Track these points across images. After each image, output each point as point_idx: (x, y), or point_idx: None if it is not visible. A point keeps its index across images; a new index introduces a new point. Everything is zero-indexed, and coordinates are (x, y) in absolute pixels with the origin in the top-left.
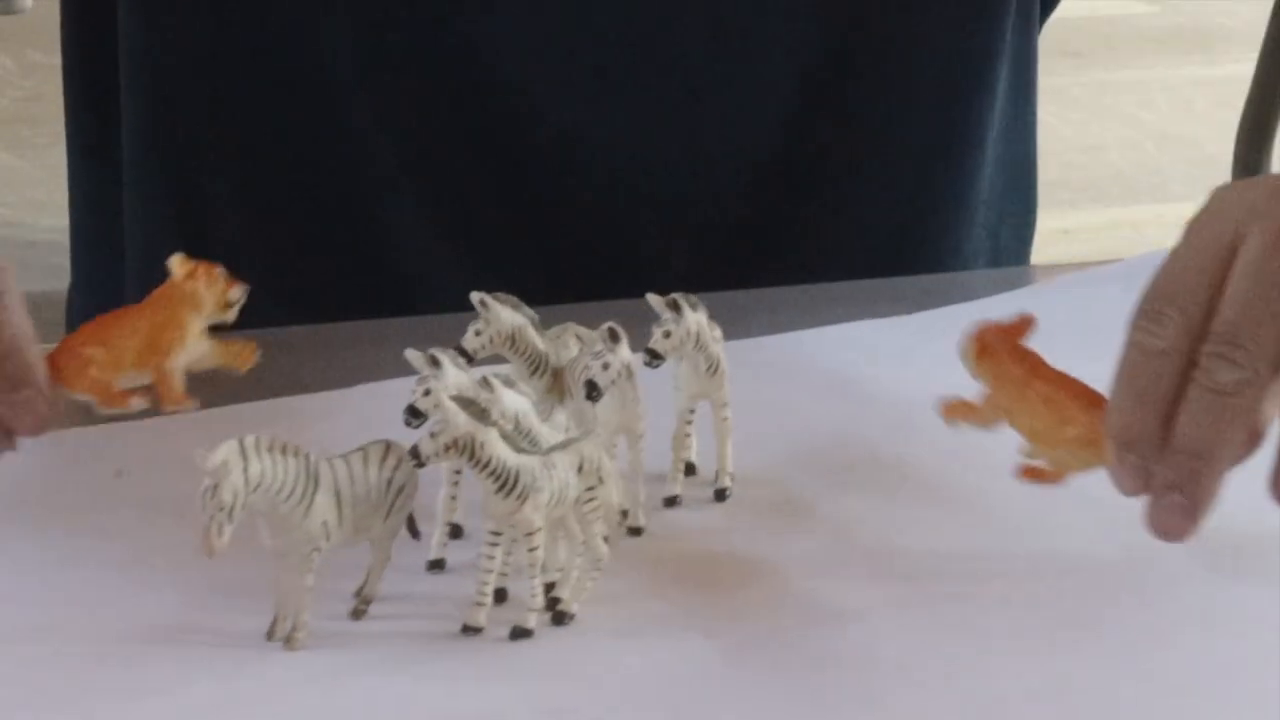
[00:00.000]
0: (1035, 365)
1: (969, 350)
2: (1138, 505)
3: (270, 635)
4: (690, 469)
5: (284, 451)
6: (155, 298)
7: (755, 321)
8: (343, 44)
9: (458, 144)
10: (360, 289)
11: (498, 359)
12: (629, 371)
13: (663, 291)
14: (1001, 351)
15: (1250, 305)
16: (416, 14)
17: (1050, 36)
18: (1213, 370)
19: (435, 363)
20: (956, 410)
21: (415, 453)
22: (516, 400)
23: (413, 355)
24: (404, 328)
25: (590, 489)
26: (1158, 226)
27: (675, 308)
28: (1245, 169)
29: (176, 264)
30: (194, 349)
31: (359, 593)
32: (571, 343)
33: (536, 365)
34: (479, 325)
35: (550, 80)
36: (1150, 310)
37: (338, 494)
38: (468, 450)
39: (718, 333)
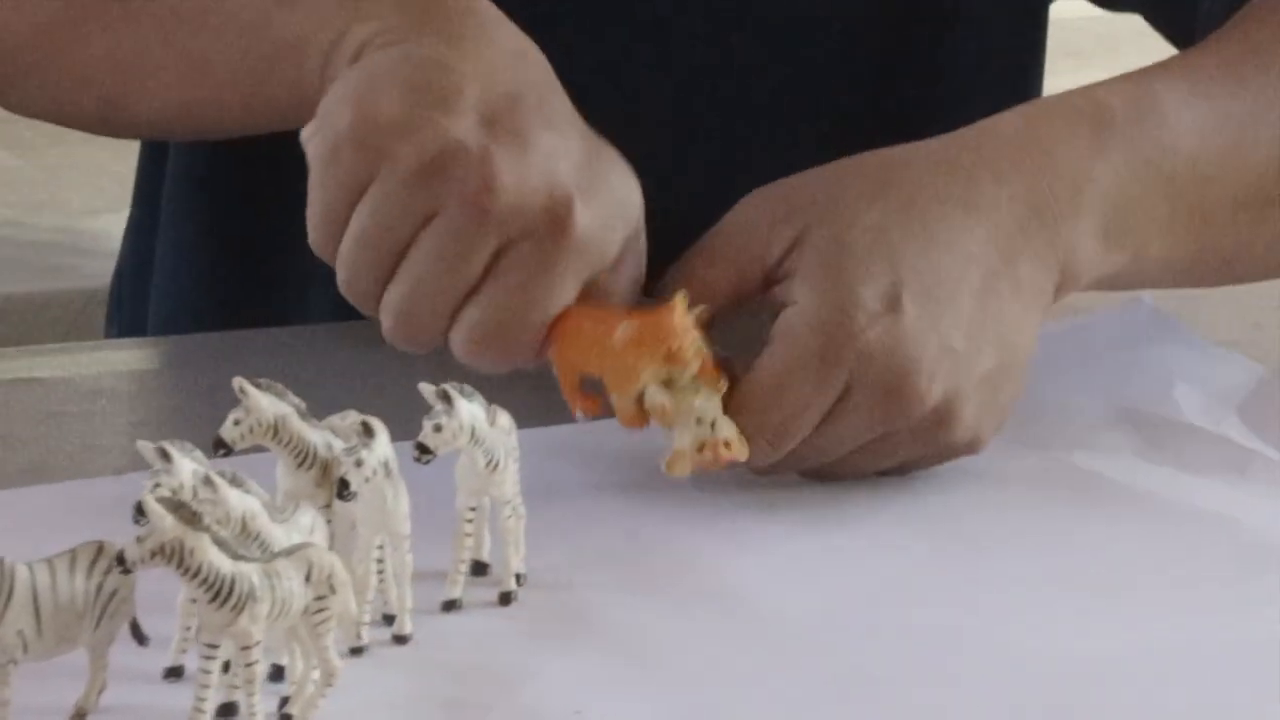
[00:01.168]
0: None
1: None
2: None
3: None
4: (481, 568)
5: None
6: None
7: None
8: None
9: None
10: None
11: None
12: (387, 469)
13: None
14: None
15: None
16: None
17: (1050, 36)
18: None
19: (165, 456)
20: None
21: (121, 558)
22: (244, 500)
23: (144, 447)
24: None
25: (320, 598)
26: None
27: (446, 398)
28: None
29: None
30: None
31: (77, 706)
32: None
33: (304, 457)
34: (238, 414)
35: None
36: None
37: (35, 601)
38: (176, 556)
39: (504, 420)
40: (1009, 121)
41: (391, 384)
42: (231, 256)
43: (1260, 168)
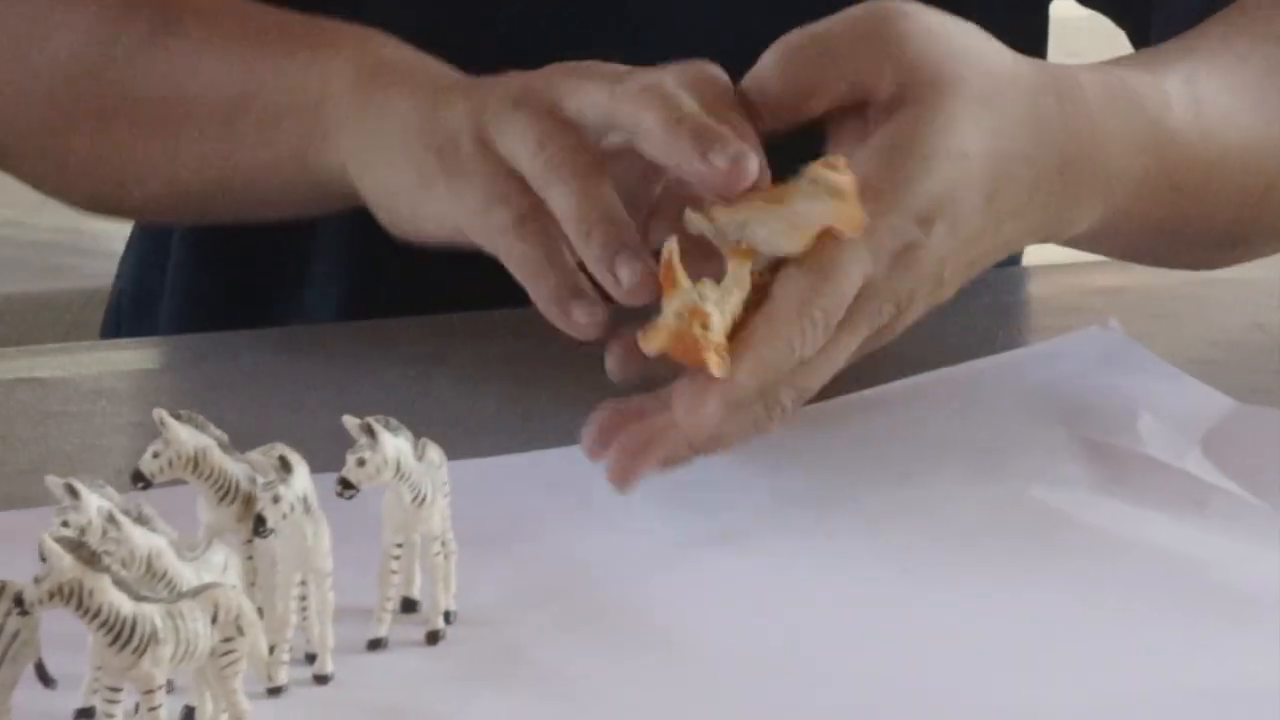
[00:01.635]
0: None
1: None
2: None
3: None
4: (410, 605)
5: None
6: None
7: None
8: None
9: None
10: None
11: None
12: (306, 504)
13: None
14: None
15: None
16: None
17: (1050, 36)
18: None
19: (73, 492)
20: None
21: (19, 599)
22: (150, 539)
23: (52, 482)
24: (407, 327)
25: (228, 640)
26: None
27: (370, 432)
28: None
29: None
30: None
31: None
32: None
33: (225, 491)
34: (157, 446)
35: None
36: None
37: None
38: (75, 597)
39: (434, 454)
40: (1089, 83)
41: (392, 384)
42: (232, 258)
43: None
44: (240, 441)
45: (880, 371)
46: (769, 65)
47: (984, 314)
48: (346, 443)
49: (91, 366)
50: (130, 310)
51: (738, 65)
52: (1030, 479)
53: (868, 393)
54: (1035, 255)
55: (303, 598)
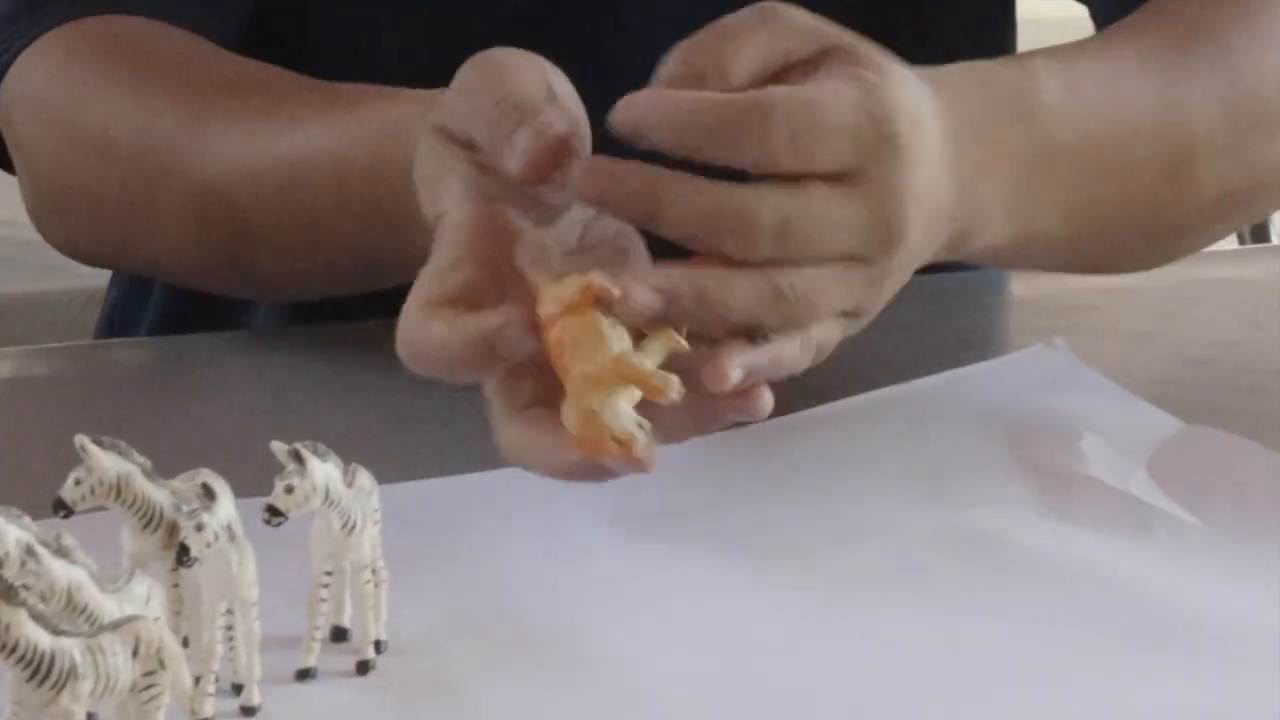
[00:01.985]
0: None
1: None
2: None
3: None
4: (341, 634)
5: None
6: None
7: None
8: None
9: None
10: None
11: None
12: (231, 532)
13: None
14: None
15: None
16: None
17: (1032, 36)
18: None
19: None
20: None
21: None
22: (70, 571)
23: None
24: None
25: (149, 674)
26: None
27: (298, 458)
28: None
29: None
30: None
31: None
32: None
33: (149, 518)
34: (79, 473)
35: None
36: None
37: None
38: None
39: (364, 480)
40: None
41: (390, 386)
42: None
43: (1174, 151)
44: (241, 442)
45: (849, 384)
46: (673, 53)
47: (980, 315)
48: (343, 441)
49: (91, 366)
50: (122, 313)
51: None
52: (972, 502)
53: (809, 412)
54: None
55: (229, 627)
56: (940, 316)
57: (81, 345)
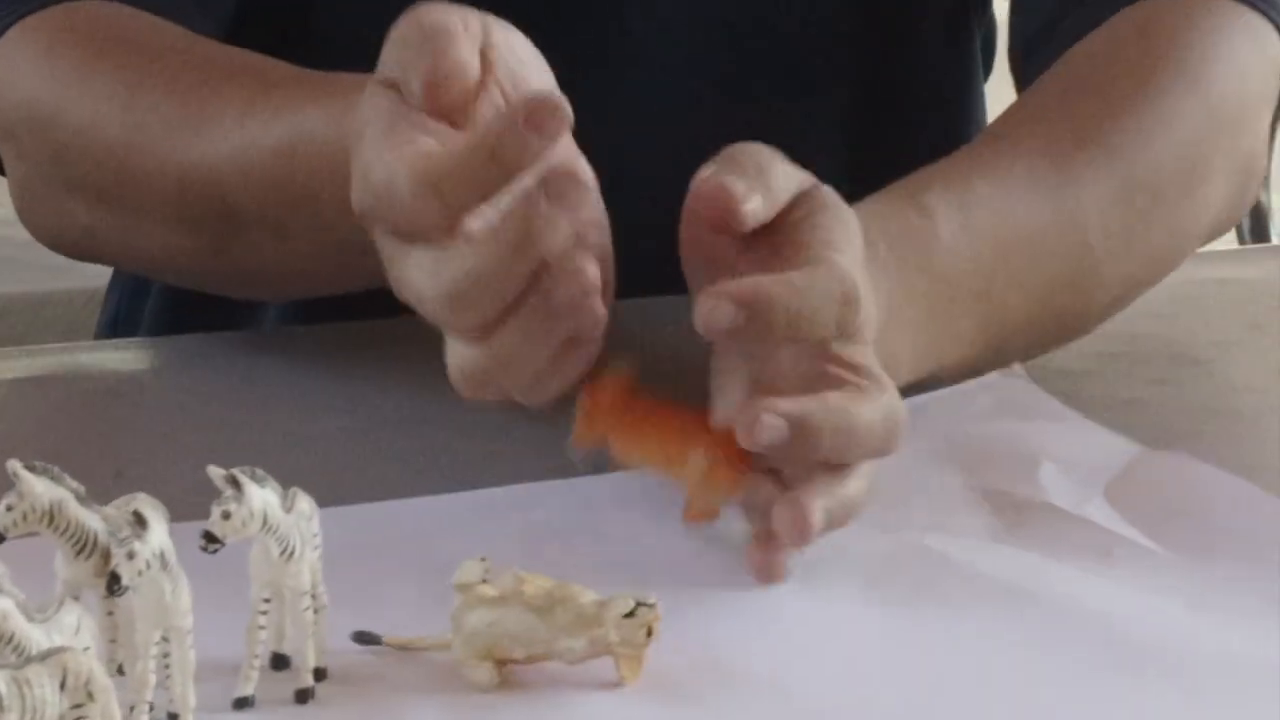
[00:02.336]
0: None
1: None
2: None
3: None
4: (282, 661)
5: None
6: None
7: None
8: None
9: None
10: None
11: None
12: (163, 560)
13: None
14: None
15: None
16: None
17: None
18: None
19: None
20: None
21: None
22: None
23: None
24: (410, 329)
25: (78, 706)
26: None
27: (235, 484)
28: None
29: None
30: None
31: None
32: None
33: (82, 545)
34: (11, 499)
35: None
36: None
37: None
38: None
39: (304, 505)
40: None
41: (391, 388)
42: None
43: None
44: (241, 441)
45: None
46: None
47: None
48: (349, 443)
49: (91, 366)
50: (122, 313)
51: (720, 62)
52: (927, 529)
53: None
54: None
55: (165, 654)
56: None
57: (81, 345)
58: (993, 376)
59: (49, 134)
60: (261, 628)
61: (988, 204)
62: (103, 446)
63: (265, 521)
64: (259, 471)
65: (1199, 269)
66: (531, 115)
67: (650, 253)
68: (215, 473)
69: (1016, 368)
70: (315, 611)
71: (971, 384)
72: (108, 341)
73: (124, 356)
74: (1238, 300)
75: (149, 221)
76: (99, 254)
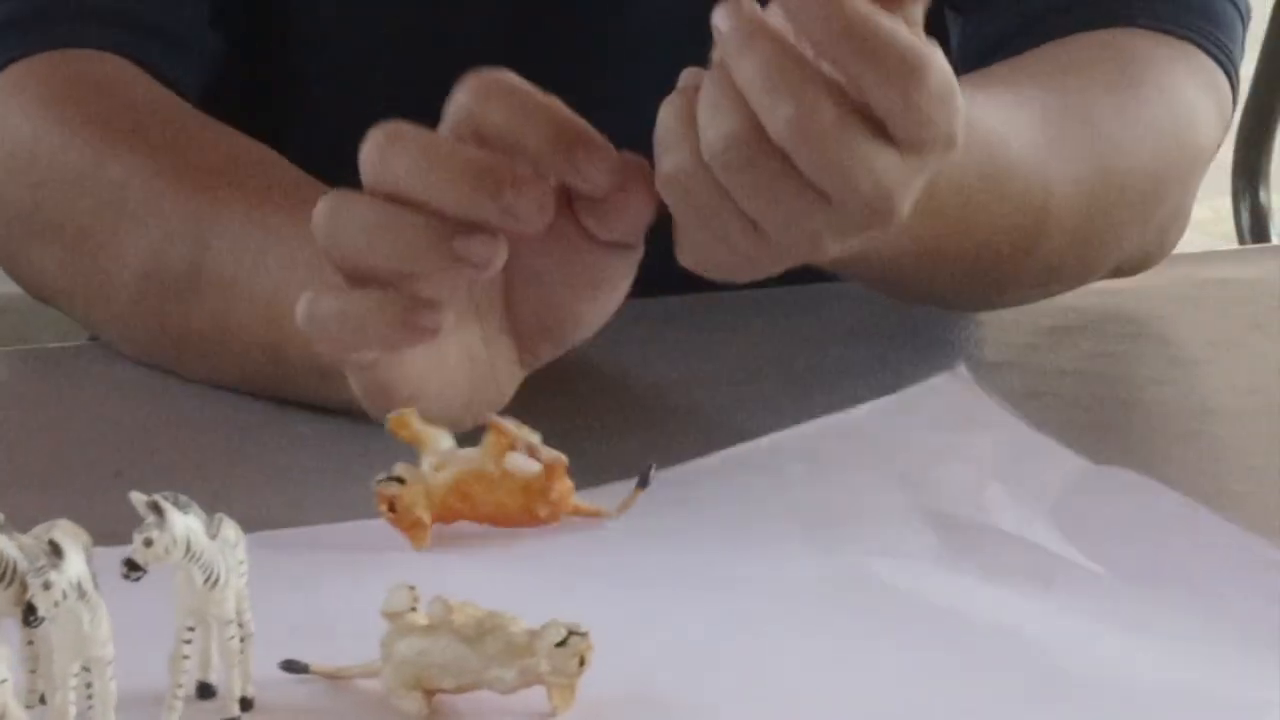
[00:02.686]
0: None
1: None
2: None
3: None
4: (208, 690)
5: None
6: None
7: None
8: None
9: None
10: None
11: None
12: (81, 590)
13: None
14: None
15: None
16: None
17: None
18: None
19: None
20: None
21: None
22: None
23: None
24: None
25: None
26: None
27: (157, 510)
28: (1245, 169)
29: None
30: None
31: None
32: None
33: (2, 573)
34: None
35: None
36: None
37: None
38: None
39: (229, 532)
40: None
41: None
42: None
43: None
44: (243, 442)
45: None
46: None
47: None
48: (339, 440)
49: (91, 366)
50: None
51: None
52: (869, 551)
53: (712, 457)
54: None
55: (88, 685)
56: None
57: (81, 345)
58: (939, 379)
59: (30, 188)
60: (185, 657)
61: (984, 120)
62: (103, 446)
63: (188, 549)
64: (183, 498)
65: (1199, 269)
66: None
67: (650, 253)
68: (138, 499)
69: (961, 369)
70: (241, 640)
71: (916, 388)
72: (107, 342)
73: (123, 357)
74: (1238, 300)
75: (107, 284)
76: (67, 310)
